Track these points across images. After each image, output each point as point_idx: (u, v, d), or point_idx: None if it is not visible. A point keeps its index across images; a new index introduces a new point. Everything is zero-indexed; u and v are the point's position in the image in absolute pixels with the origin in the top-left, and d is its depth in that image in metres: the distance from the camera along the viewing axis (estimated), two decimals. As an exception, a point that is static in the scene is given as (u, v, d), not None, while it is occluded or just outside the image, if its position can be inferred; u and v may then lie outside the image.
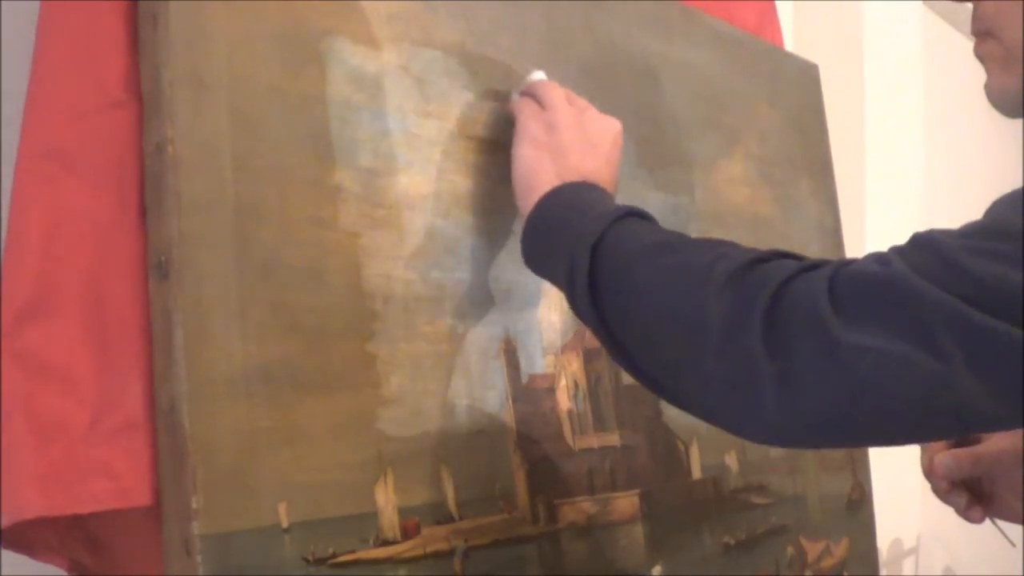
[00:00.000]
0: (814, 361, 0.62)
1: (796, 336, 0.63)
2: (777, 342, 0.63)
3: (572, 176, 0.83)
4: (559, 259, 0.77)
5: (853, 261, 0.65)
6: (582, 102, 0.91)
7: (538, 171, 0.84)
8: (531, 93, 0.91)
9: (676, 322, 0.69)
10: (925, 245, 0.63)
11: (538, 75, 0.93)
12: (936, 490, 0.97)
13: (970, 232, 0.62)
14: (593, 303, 0.74)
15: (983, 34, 0.76)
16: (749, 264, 0.67)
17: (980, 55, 0.77)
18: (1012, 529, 1.01)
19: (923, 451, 0.97)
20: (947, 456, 0.94)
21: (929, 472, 0.96)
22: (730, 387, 0.66)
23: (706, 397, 0.69)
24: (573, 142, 0.86)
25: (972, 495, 0.95)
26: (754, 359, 0.64)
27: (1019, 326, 0.57)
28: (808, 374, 0.62)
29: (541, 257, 0.82)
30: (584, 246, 0.75)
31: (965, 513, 0.96)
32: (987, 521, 0.97)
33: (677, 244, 0.75)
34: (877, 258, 0.64)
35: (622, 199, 0.99)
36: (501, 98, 0.93)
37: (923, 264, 0.61)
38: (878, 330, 0.60)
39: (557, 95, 0.89)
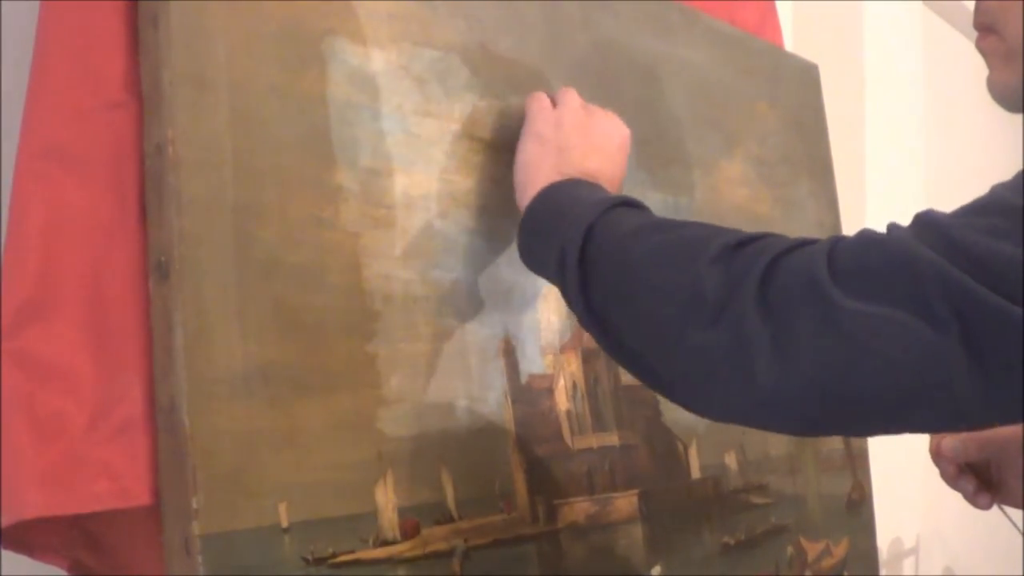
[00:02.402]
0: (810, 325, 0.61)
1: (792, 301, 0.62)
2: (772, 307, 0.62)
3: (572, 173, 0.83)
4: (552, 248, 0.77)
5: (850, 236, 0.65)
6: (596, 107, 0.92)
7: (538, 166, 0.85)
8: (547, 94, 0.92)
9: (667, 294, 0.68)
10: (924, 223, 0.62)
11: None
12: (944, 474, 0.97)
13: (968, 210, 0.62)
14: (582, 286, 0.74)
15: (985, 29, 0.76)
16: (746, 239, 0.67)
17: (982, 50, 0.77)
18: (1019, 517, 1.01)
19: (931, 435, 0.97)
20: (954, 439, 0.94)
21: (936, 455, 0.96)
22: (720, 355, 0.64)
23: (692, 369, 0.67)
24: (578, 140, 0.86)
25: (980, 481, 0.95)
26: (747, 324, 0.63)
27: (1018, 303, 0.56)
28: (804, 339, 0.61)
29: (536, 250, 0.81)
30: (577, 230, 0.75)
31: (972, 499, 0.96)
32: (989, 519, 0.97)
33: (671, 224, 0.75)
34: (873, 232, 0.64)
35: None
36: (503, 97, 0.93)
37: (923, 237, 0.61)
38: (877, 296, 0.60)
39: (571, 96, 0.90)
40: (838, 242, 0.64)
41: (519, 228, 0.83)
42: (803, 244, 0.66)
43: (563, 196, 0.81)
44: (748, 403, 0.65)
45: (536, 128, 0.88)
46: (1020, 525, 1.04)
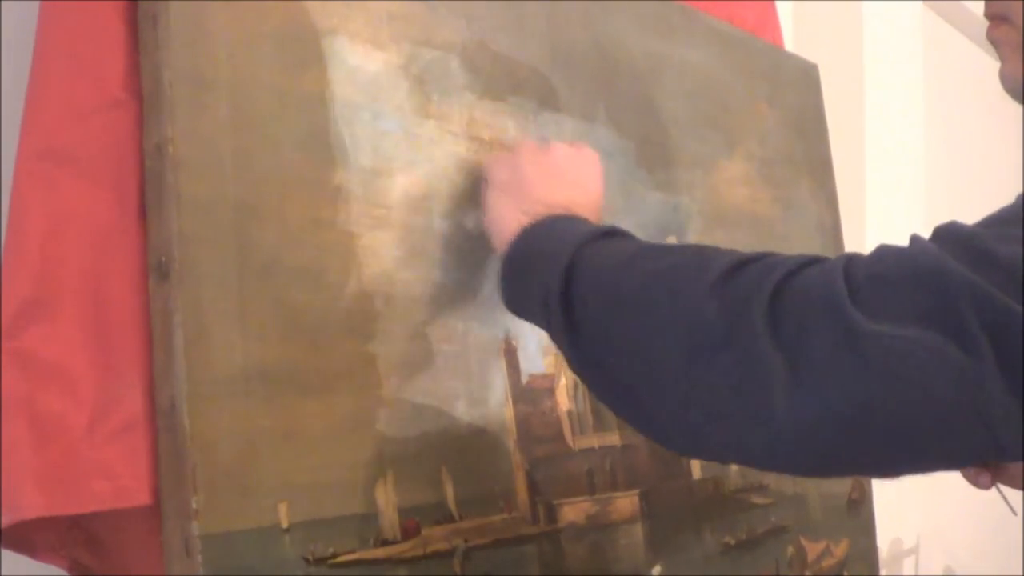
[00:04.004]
0: (829, 349, 0.55)
1: (807, 323, 0.56)
2: (785, 332, 0.56)
3: (540, 210, 0.78)
4: (533, 293, 0.72)
5: (866, 253, 0.60)
6: (556, 142, 0.87)
7: (503, 214, 0.80)
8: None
9: (664, 326, 0.62)
10: (948, 234, 0.58)
11: None
12: None
13: (995, 220, 0.58)
14: (568, 328, 0.68)
15: (997, 18, 0.74)
16: (746, 259, 0.62)
17: (994, 40, 0.74)
18: (1016, 499, 1.00)
19: None
20: None
21: None
22: (729, 386, 0.58)
23: (697, 405, 0.60)
24: (536, 176, 0.81)
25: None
26: (758, 350, 0.57)
27: None
28: (822, 364, 0.55)
29: (518, 298, 0.77)
30: (556, 270, 0.70)
31: (973, 479, 0.95)
32: (989, 519, 0.97)
33: (658, 251, 0.69)
34: (892, 246, 0.59)
35: (622, 198, 0.99)
36: (503, 97, 0.93)
37: (949, 249, 0.56)
38: (901, 315, 0.54)
39: (524, 142, 0.86)
40: (853, 258, 0.59)
41: (500, 280, 0.79)
42: (811, 262, 0.60)
43: (537, 237, 0.76)
44: (763, 438, 0.58)
45: (494, 178, 0.84)
46: (1016, 507, 1.03)
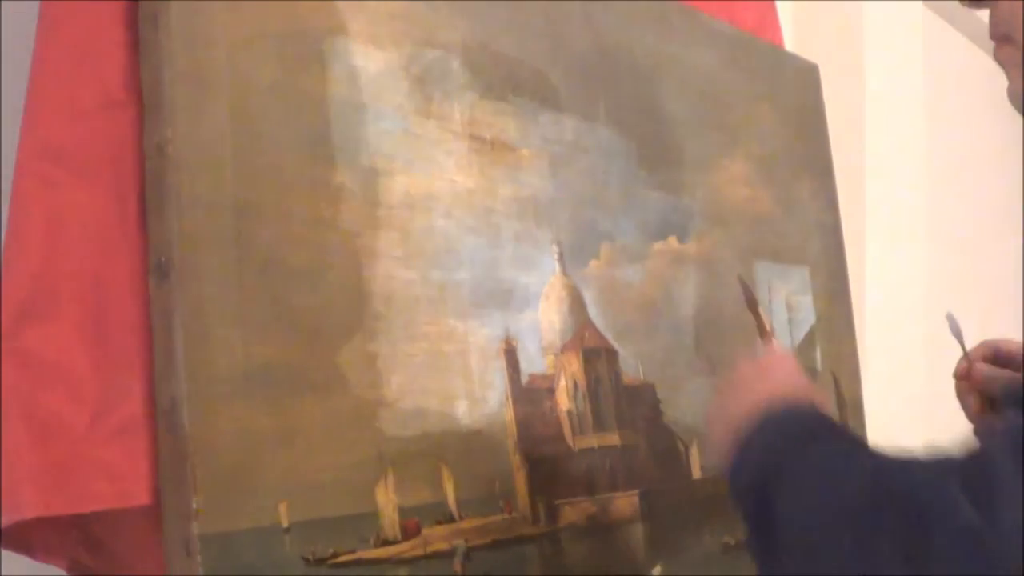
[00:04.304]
0: (956, 550, 0.57)
1: (932, 537, 0.58)
2: (912, 549, 0.59)
3: (758, 406, 0.80)
4: (736, 497, 0.78)
5: (975, 451, 0.63)
6: (743, 361, 0.89)
7: (721, 433, 0.81)
8: None
9: (816, 557, 0.66)
10: None
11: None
12: (958, 390, 0.95)
13: None
14: (758, 533, 0.74)
15: (1002, 39, 0.75)
16: (883, 495, 0.63)
17: (1000, 61, 0.75)
18: None
19: (963, 358, 0.95)
20: (989, 369, 0.92)
21: (964, 375, 0.94)
22: None
23: None
24: (742, 382, 0.84)
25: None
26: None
27: None
28: (952, 564, 0.57)
29: (731, 491, 0.80)
30: (750, 485, 0.75)
31: (973, 415, 0.94)
32: None
33: (831, 473, 0.70)
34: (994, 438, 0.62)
35: (622, 199, 0.99)
36: (503, 97, 0.93)
37: None
38: (1019, 497, 0.56)
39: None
40: (969, 458, 0.61)
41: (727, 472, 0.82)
42: (932, 484, 0.61)
43: (746, 447, 0.79)
44: None
45: (712, 414, 0.85)
46: None
